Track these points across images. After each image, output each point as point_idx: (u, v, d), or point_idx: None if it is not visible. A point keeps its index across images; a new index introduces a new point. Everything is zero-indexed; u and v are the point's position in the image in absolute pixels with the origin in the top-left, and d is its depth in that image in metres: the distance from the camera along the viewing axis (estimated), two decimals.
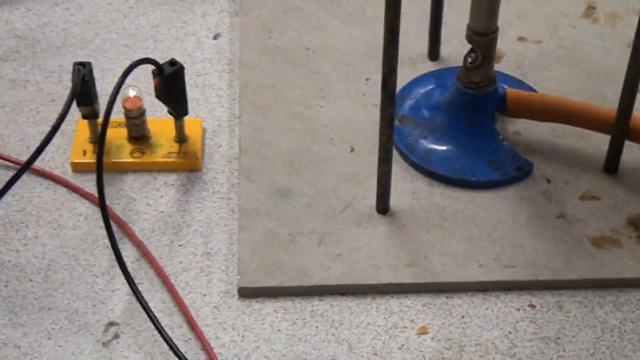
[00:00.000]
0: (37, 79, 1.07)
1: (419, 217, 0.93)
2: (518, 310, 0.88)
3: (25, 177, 0.97)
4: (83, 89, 0.92)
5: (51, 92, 1.05)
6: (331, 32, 1.10)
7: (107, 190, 0.96)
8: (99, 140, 0.88)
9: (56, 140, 1.01)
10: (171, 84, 0.93)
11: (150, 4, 1.15)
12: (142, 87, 1.04)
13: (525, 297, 0.89)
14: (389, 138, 0.87)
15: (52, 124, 1.01)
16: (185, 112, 0.97)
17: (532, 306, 0.88)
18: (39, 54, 1.09)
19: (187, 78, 1.05)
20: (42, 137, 1.00)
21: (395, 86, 0.84)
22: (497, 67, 1.04)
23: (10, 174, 0.96)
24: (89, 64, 0.93)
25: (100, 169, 0.87)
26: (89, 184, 0.97)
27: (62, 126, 1.01)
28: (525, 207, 0.94)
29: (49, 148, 1.00)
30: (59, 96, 1.05)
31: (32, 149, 0.99)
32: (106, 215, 0.87)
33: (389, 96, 0.84)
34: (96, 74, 1.06)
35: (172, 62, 0.93)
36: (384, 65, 0.82)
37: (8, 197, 0.95)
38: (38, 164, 0.98)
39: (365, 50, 1.08)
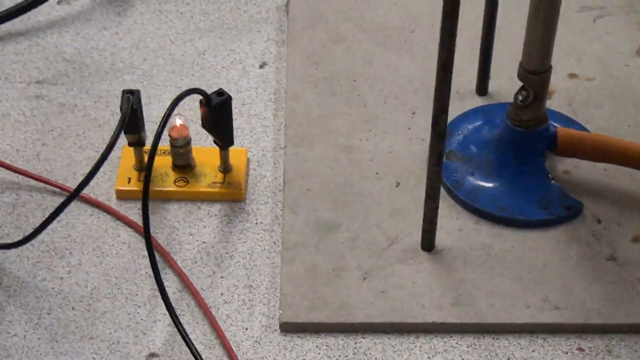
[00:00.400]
0: (85, 103, 1.07)
1: (465, 256, 0.91)
2: (566, 353, 0.86)
3: (71, 203, 0.97)
4: (131, 116, 0.92)
5: (98, 118, 1.05)
6: (378, 64, 1.09)
7: (151, 219, 0.96)
8: (146, 169, 0.87)
9: (102, 167, 1.00)
10: (218, 114, 0.92)
11: (197, 31, 1.15)
12: (187, 115, 1.04)
13: (574, 340, 0.87)
14: (438, 175, 0.86)
15: (98, 149, 1.02)
16: (231, 143, 0.96)
17: (580, 350, 0.86)
18: (86, 78, 1.10)
19: (232, 107, 1.06)
20: (88, 162, 1.01)
21: (445, 125, 0.83)
22: (548, 104, 1.02)
23: (56, 199, 0.97)
24: (138, 92, 0.93)
25: (146, 197, 0.87)
26: (132, 211, 0.96)
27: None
28: (575, 248, 0.92)
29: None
30: (106, 121, 1.05)
31: (78, 175, 1.00)
32: (150, 244, 0.87)
33: (439, 135, 0.83)
34: (142, 99, 1.06)
35: (220, 93, 0.92)
36: (435, 104, 0.81)
37: (53, 223, 0.95)
38: (84, 190, 0.98)
39: (413, 83, 1.07)
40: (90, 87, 1.09)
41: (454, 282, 0.89)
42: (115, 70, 1.11)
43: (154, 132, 0.89)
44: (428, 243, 0.92)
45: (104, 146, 1.01)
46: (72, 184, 0.98)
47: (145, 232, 0.87)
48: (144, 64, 1.11)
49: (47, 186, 0.99)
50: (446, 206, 0.95)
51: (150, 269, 0.88)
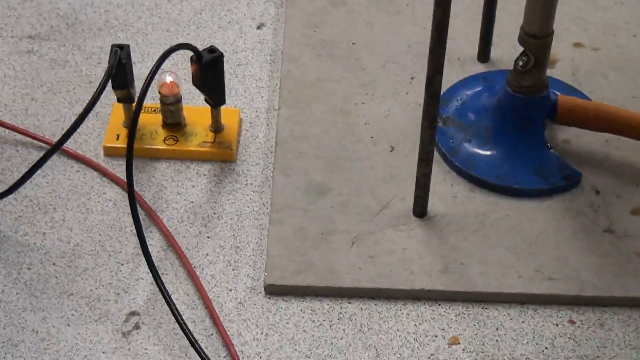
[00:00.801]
0: (77, 59, 1.05)
1: (458, 223, 0.89)
2: (557, 325, 0.83)
3: (57, 159, 0.95)
4: (119, 71, 0.89)
5: (89, 74, 1.03)
6: (379, 28, 1.07)
7: (138, 177, 0.94)
8: (130, 123, 0.85)
9: (90, 122, 0.99)
10: (209, 71, 0.90)
11: None
12: (180, 73, 1.02)
13: (565, 312, 0.84)
14: (431, 139, 0.84)
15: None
16: (222, 102, 0.94)
17: (572, 322, 0.84)
18: (79, 34, 1.07)
19: (227, 67, 1.03)
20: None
21: (440, 86, 0.80)
22: (551, 73, 1.00)
23: (42, 154, 0.94)
24: (127, 46, 0.90)
25: (130, 154, 0.84)
26: (120, 169, 0.94)
27: (98, 109, 1.00)
28: (571, 219, 0.89)
29: (83, 130, 0.98)
30: (97, 78, 1.03)
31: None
32: (134, 202, 0.85)
33: (433, 96, 0.80)
34: (135, 57, 1.04)
35: (212, 49, 0.90)
36: (429, 65, 0.79)
37: (38, 178, 0.93)
38: (71, 145, 0.96)
39: (413, 48, 1.04)
40: (83, 44, 1.06)
41: (445, 250, 0.87)
42: (108, 27, 1.08)
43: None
44: (420, 209, 0.89)
45: (97, 103, 1.00)
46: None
47: (129, 189, 0.84)
48: (138, 21, 1.09)
49: (34, 141, 0.97)
50: (441, 172, 0.93)
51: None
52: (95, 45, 1.06)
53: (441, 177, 0.92)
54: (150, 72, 0.86)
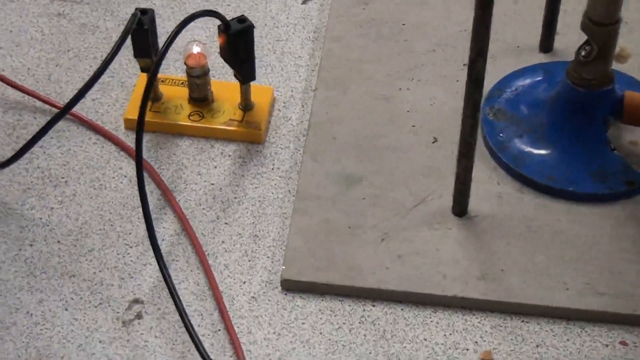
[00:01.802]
0: (108, 25, 0.98)
1: (501, 225, 0.80)
2: (606, 346, 0.74)
3: (75, 129, 0.89)
4: (140, 37, 0.83)
5: None
6: (432, 8, 0.98)
7: (158, 154, 0.87)
8: (144, 92, 0.78)
9: (114, 92, 0.92)
10: (238, 43, 0.83)
11: None
12: (213, 48, 0.95)
13: (617, 332, 0.75)
14: (472, 129, 0.75)
15: (114, 74, 0.94)
16: (252, 77, 0.86)
17: (623, 344, 0.75)
18: None
19: (265, 42, 0.96)
20: (102, 87, 0.92)
21: (483, 71, 0.72)
22: (620, 68, 0.90)
23: (61, 123, 0.88)
24: (152, 11, 0.84)
25: (140, 126, 0.78)
26: None
27: (123, 79, 0.94)
28: (630, 228, 0.80)
29: (105, 100, 0.92)
30: (127, 46, 0.96)
31: (89, 99, 0.92)
32: (141, 176, 0.77)
33: (475, 82, 0.72)
34: (170, 26, 0.98)
35: (241, 19, 0.83)
36: (472, 47, 0.70)
37: (53, 148, 0.87)
38: (92, 116, 0.90)
39: (467, 32, 0.95)
40: (117, 9, 1.00)
41: (484, 254, 0.78)
42: None
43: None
44: (459, 207, 0.81)
45: (123, 72, 0.94)
46: (81, 110, 0.90)
47: (137, 164, 0.77)
48: None
49: (53, 109, 0.91)
50: (487, 169, 0.84)
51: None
52: (128, 12, 1.00)
53: (486, 175, 0.84)
54: (168, 38, 0.79)
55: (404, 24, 0.97)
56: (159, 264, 0.77)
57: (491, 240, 0.79)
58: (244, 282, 0.78)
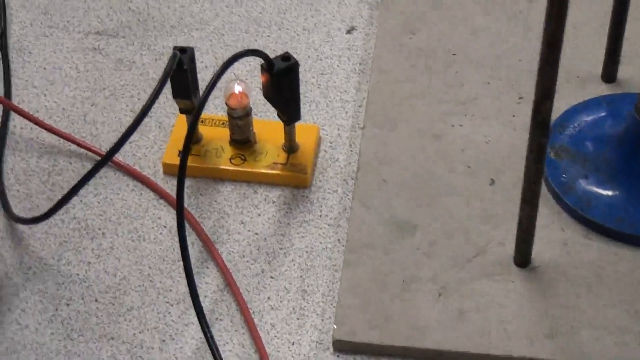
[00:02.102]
0: (144, 60, 0.94)
1: (569, 276, 0.75)
2: None
3: (112, 175, 0.85)
4: (179, 77, 0.78)
5: (156, 77, 0.92)
6: (485, 37, 0.93)
7: (198, 201, 0.82)
8: (185, 137, 0.74)
9: (152, 134, 0.88)
10: (282, 83, 0.78)
11: None
12: (254, 82, 0.90)
13: None
14: (537, 176, 0.70)
15: (152, 114, 0.89)
16: (297, 118, 0.81)
17: None
18: (150, 32, 0.97)
19: (308, 76, 0.91)
20: (140, 128, 0.87)
21: (549, 114, 0.66)
22: None
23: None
24: (191, 50, 0.79)
25: (182, 173, 0.73)
26: None
27: (161, 119, 0.89)
28: None
29: (143, 142, 0.87)
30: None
31: (126, 143, 0.87)
32: (183, 231, 0.73)
33: (541, 126, 0.66)
34: (208, 60, 0.93)
35: (285, 57, 0.78)
36: (537, 88, 0.65)
37: (89, 196, 0.83)
38: (129, 160, 0.86)
39: (524, 62, 0.90)
40: (153, 43, 0.96)
41: (551, 308, 0.73)
42: (182, 25, 0.97)
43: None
44: (523, 257, 0.75)
45: (161, 111, 0.90)
46: (118, 154, 0.85)
47: (179, 216, 0.73)
48: (215, 19, 0.97)
49: (90, 153, 0.86)
50: (550, 213, 0.79)
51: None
52: (166, 45, 0.95)
53: (550, 219, 0.78)
54: (211, 80, 0.74)
55: (454, 54, 0.91)
56: (201, 324, 0.72)
57: (558, 292, 0.74)
58: (293, 343, 0.73)
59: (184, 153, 0.73)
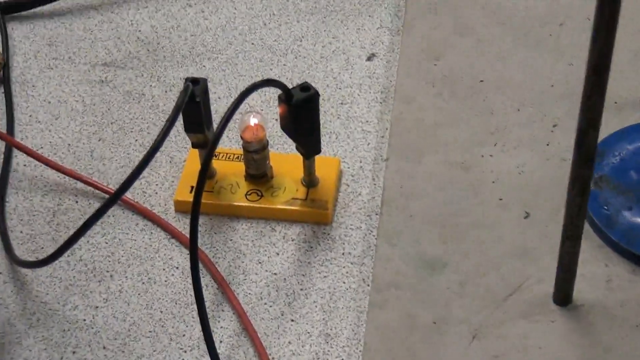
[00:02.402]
0: (154, 92, 0.90)
1: (614, 315, 0.70)
2: None
3: (121, 214, 0.80)
4: (192, 111, 0.74)
5: (167, 110, 0.88)
6: (513, 63, 0.88)
7: (212, 240, 0.77)
8: (199, 173, 0.69)
9: (163, 170, 0.83)
10: (301, 114, 0.73)
11: (296, 12, 0.96)
12: (270, 113, 0.86)
13: None
14: (580, 210, 0.64)
15: (163, 149, 0.84)
16: (317, 150, 0.77)
17: None
18: (160, 62, 0.92)
19: (328, 106, 0.86)
20: (150, 165, 0.83)
21: (595, 145, 0.61)
22: None
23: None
24: (204, 80, 0.74)
25: (196, 212, 0.68)
26: None
27: (172, 153, 0.85)
28: None
29: (153, 179, 0.82)
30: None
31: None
32: (197, 272, 0.68)
33: (585, 157, 0.61)
34: (222, 91, 0.89)
35: (304, 87, 0.73)
36: (582, 118, 0.60)
37: (97, 237, 0.78)
38: (138, 198, 0.81)
39: (557, 88, 0.85)
40: (163, 74, 0.91)
41: (596, 350, 0.68)
42: (194, 54, 0.93)
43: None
44: (563, 295, 0.70)
45: (172, 145, 0.85)
46: (127, 191, 0.81)
47: (192, 257, 0.68)
48: (228, 48, 0.93)
49: (97, 191, 0.82)
50: (591, 248, 0.73)
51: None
52: (176, 76, 0.91)
53: (591, 254, 0.73)
54: (226, 113, 0.70)
55: (481, 81, 0.86)
56: None
57: (603, 333, 0.68)
58: None
59: (198, 189, 0.68)
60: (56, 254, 0.72)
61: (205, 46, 0.94)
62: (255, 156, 0.78)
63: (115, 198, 0.69)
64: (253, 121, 0.77)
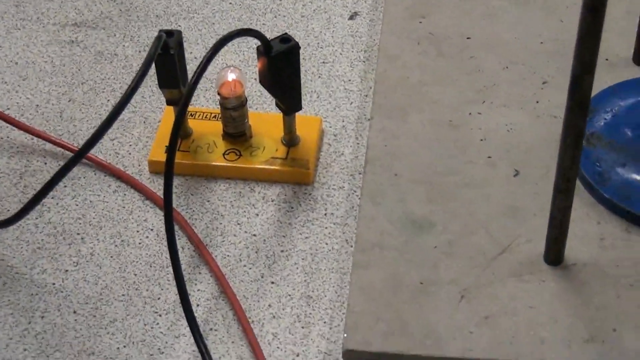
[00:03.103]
0: (127, 52, 0.86)
1: (607, 274, 0.67)
2: None
3: (92, 175, 0.76)
4: (166, 64, 0.70)
5: None
6: (501, 20, 0.85)
7: (189, 201, 0.74)
8: (172, 128, 0.65)
9: (136, 130, 0.80)
10: (281, 67, 0.70)
11: None
12: (249, 71, 0.82)
13: None
14: (574, 162, 0.61)
15: (136, 109, 0.81)
16: (298, 107, 0.73)
17: None
18: (133, 22, 0.89)
19: (309, 65, 0.83)
20: (122, 125, 0.80)
21: (589, 91, 0.58)
22: None
23: (75, 168, 0.75)
24: (179, 32, 0.71)
25: (169, 170, 0.65)
26: None
27: (147, 113, 0.81)
28: None
29: (126, 140, 0.79)
30: (150, 76, 0.83)
31: (107, 139, 0.79)
32: (172, 232, 0.65)
33: (580, 104, 0.58)
34: (198, 51, 0.85)
35: (285, 38, 0.70)
36: (576, 61, 0.57)
37: (67, 198, 0.74)
38: (111, 159, 0.77)
39: (546, 45, 0.82)
40: (137, 34, 0.88)
41: (589, 310, 0.65)
42: (169, 14, 0.89)
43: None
44: (555, 254, 0.67)
45: (146, 105, 0.82)
46: (99, 152, 0.78)
47: (166, 216, 0.64)
48: (204, 7, 0.89)
49: (66, 152, 0.78)
50: (583, 206, 0.70)
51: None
52: (150, 36, 0.87)
53: (583, 212, 0.70)
54: (201, 62, 0.66)
55: (468, 38, 0.83)
56: (194, 336, 0.64)
57: (596, 292, 0.65)
58: (298, 355, 0.64)
59: (172, 145, 0.65)
60: (21, 213, 0.68)
61: (180, 6, 0.90)
62: (233, 113, 0.74)
63: (82, 152, 0.66)
64: (231, 76, 0.73)
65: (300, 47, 0.70)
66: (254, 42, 0.85)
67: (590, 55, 0.57)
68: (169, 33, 0.70)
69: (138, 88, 0.65)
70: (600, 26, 0.55)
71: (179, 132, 0.66)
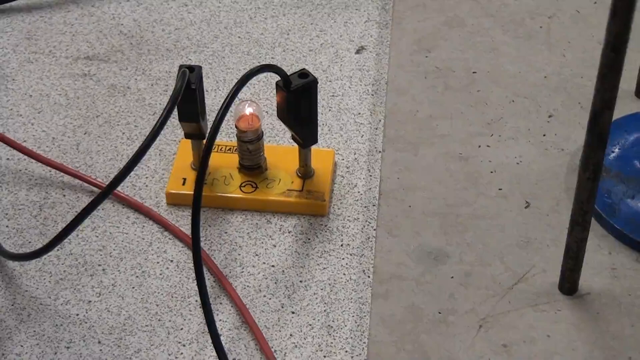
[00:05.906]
0: (140, 86, 0.87)
1: (620, 303, 0.69)
2: None
3: (111, 207, 0.77)
4: (187, 99, 0.72)
5: (153, 103, 0.86)
6: (506, 55, 0.87)
7: (207, 233, 0.75)
8: (199, 165, 0.67)
9: (152, 162, 0.81)
10: (299, 101, 0.71)
11: (282, 6, 0.94)
12: (262, 105, 0.84)
13: None
14: (590, 196, 0.64)
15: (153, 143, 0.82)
16: (314, 140, 0.75)
17: None
18: (144, 56, 0.90)
19: (319, 98, 0.84)
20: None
21: (608, 126, 0.60)
22: None
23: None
24: (199, 68, 0.73)
25: (197, 204, 0.66)
26: (185, 221, 0.76)
27: (162, 146, 0.82)
28: None
29: (142, 172, 0.80)
30: (162, 108, 0.85)
31: None
32: (200, 265, 0.66)
33: (599, 139, 0.61)
34: (209, 84, 0.87)
35: (303, 74, 0.72)
36: (596, 98, 0.59)
37: (87, 230, 0.75)
38: (128, 191, 0.79)
39: (550, 79, 0.85)
40: (148, 67, 0.89)
41: (603, 339, 0.67)
42: (179, 48, 0.91)
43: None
44: (571, 284, 0.69)
45: (160, 139, 0.83)
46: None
47: (194, 247, 0.66)
48: (214, 42, 0.91)
49: (84, 184, 0.79)
50: (594, 237, 0.73)
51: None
52: (162, 70, 0.89)
53: (595, 243, 0.72)
54: (225, 100, 0.68)
55: (474, 72, 0.86)
56: None
57: (611, 321, 0.68)
58: None
59: (199, 179, 0.66)
60: (49, 246, 0.69)
61: (190, 39, 0.92)
62: (250, 146, 0.76)
63: (111, 188, 0.67)
64: (248, 110, 0.75)
65: (317, 82, 0.72)
66: (264, 76, 0.87)
67: (611, 91, 0.59)
68: (190, 68, 0.72)
69: (166, 123, 0.67)
70: (621, 64, 0.58)
71: (208, 164, 0.67)
